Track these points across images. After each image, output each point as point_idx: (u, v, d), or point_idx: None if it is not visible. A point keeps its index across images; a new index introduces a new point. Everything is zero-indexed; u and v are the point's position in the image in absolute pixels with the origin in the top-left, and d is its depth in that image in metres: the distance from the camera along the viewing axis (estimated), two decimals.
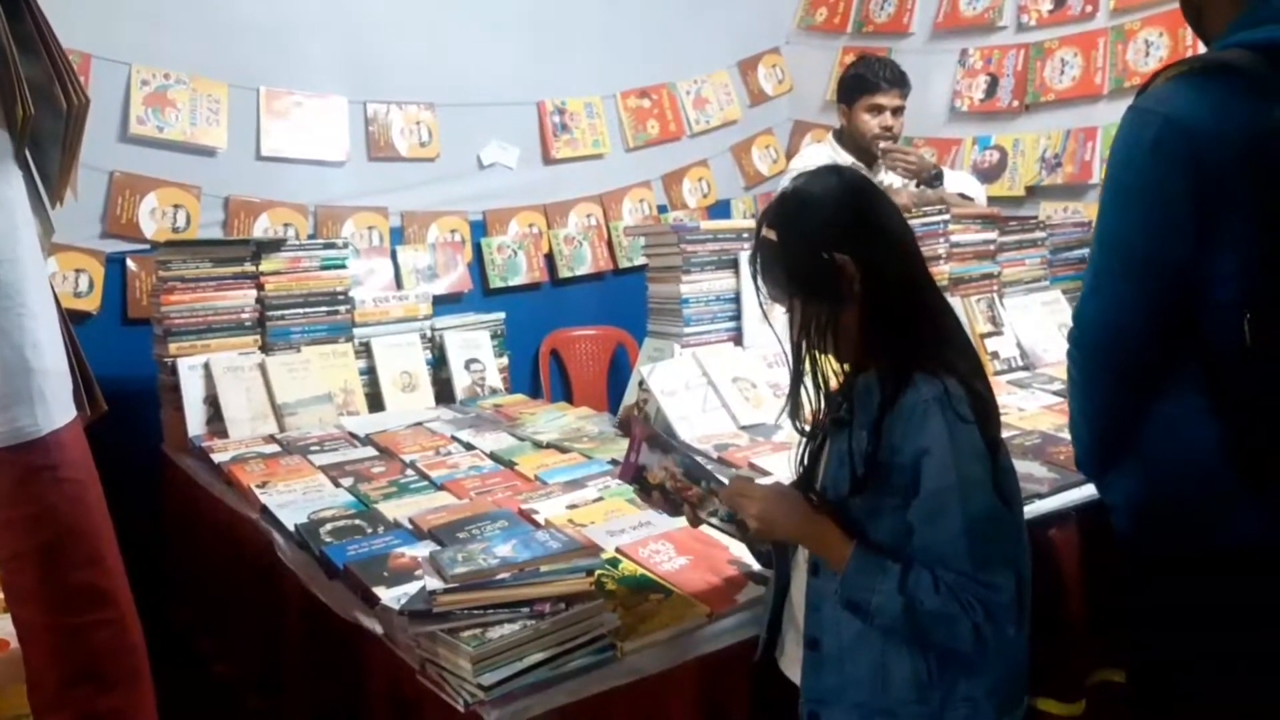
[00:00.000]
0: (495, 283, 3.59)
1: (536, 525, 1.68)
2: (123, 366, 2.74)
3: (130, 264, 2.93)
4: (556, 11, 3.61)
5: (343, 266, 2.75)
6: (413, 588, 1.43)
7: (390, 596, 1.42)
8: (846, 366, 1.20)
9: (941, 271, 2.67)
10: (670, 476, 1.29)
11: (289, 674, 1.80)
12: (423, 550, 1.58)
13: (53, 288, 1.04)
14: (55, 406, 0.97)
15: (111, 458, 2.59)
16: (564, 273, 3.75)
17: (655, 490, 1.30)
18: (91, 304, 2.89)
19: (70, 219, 2.75)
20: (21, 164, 0.96)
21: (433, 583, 1.20)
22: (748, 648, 1.31)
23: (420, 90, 3.38)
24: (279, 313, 2.65)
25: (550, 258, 3.73)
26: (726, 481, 1.27)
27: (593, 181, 3.83)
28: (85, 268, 2.88)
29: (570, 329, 3.76)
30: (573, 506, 1.78)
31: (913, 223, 2.05)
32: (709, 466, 1.36)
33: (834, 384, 1.21)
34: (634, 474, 1.32)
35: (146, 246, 2.90)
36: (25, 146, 0.97)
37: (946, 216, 2.71)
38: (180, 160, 2.98)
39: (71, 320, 2.79)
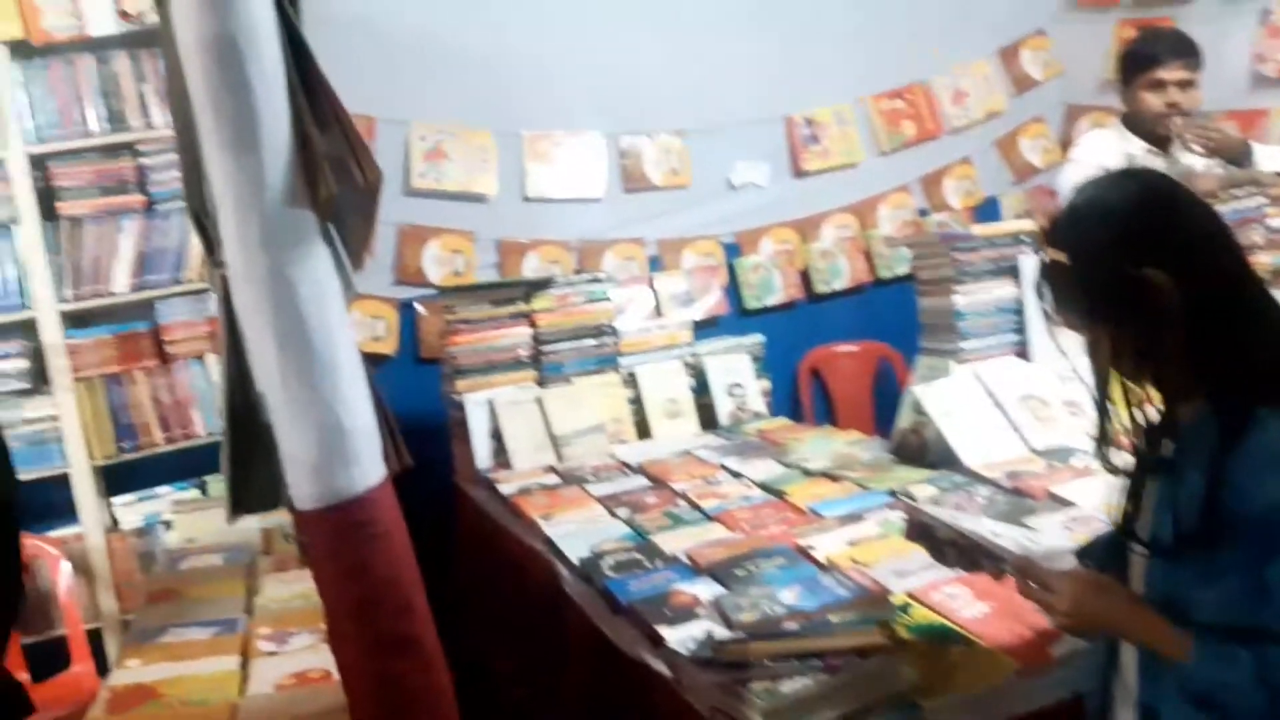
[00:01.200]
0: (751, 303, 3.56)
1: (815, 563, 1.62)
2: (418, 403, 2.96)
3: (418, 308, 3.17)
4: (799, 21, 3.54)
5: (605, 299, 2.83)
6: (695, 628, 1.42)
7: (674, 638, 1.41)
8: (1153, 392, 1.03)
9: (1262, 263, 2.33)
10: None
11: (577, 704, 1.84)
12: (702, 588, 1.57)
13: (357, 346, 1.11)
14: (368, 465, 1.03)
15: (410, 488, 2.82)
16: (820, 288, 3.66)
17: (947, 547, 1.20)
18: (388, 347, 3.15)
19: (367, 269, 3.03)
20: (326, 238, 1.04)
21: (720, 631, 1.18)
22: (1066, 709, 1.18)
23: (669, 118, 3.43)
24: (551, 347, 2.76)
25: (805, 274, 3.65)
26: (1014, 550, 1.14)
27: (846, 191, 3.70)
28: (382, 314, 3.14)
29: (830, 345, 3.65)
30: (853, 543, 1.70)
31: (1221, 209, 1.80)
32: (994, 526, 1.24)
33: (1148, 412, 1.05)
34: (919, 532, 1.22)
35: (432, 291, 3.12)
36: (329, 221, 1.05)
37: (1264, 199, 2.37)
38: (456, 208, 3.20)
39: (371, 362, 3.11)
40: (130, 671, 1.67)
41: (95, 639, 2.72)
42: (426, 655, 1.06)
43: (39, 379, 2.72)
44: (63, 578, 2.67)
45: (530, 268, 3.24)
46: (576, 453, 2.62)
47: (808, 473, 2.20)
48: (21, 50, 2.67)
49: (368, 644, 1.03)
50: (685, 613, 1.50)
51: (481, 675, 2.40)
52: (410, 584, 1.06)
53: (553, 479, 2.45)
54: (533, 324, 2.76)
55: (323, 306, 1.00)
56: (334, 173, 1.00)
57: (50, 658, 2.63)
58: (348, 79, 3.16)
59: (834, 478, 2.13)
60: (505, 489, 2.40)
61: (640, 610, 1.54)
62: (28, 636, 2.65)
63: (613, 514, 2.09)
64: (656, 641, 1.45)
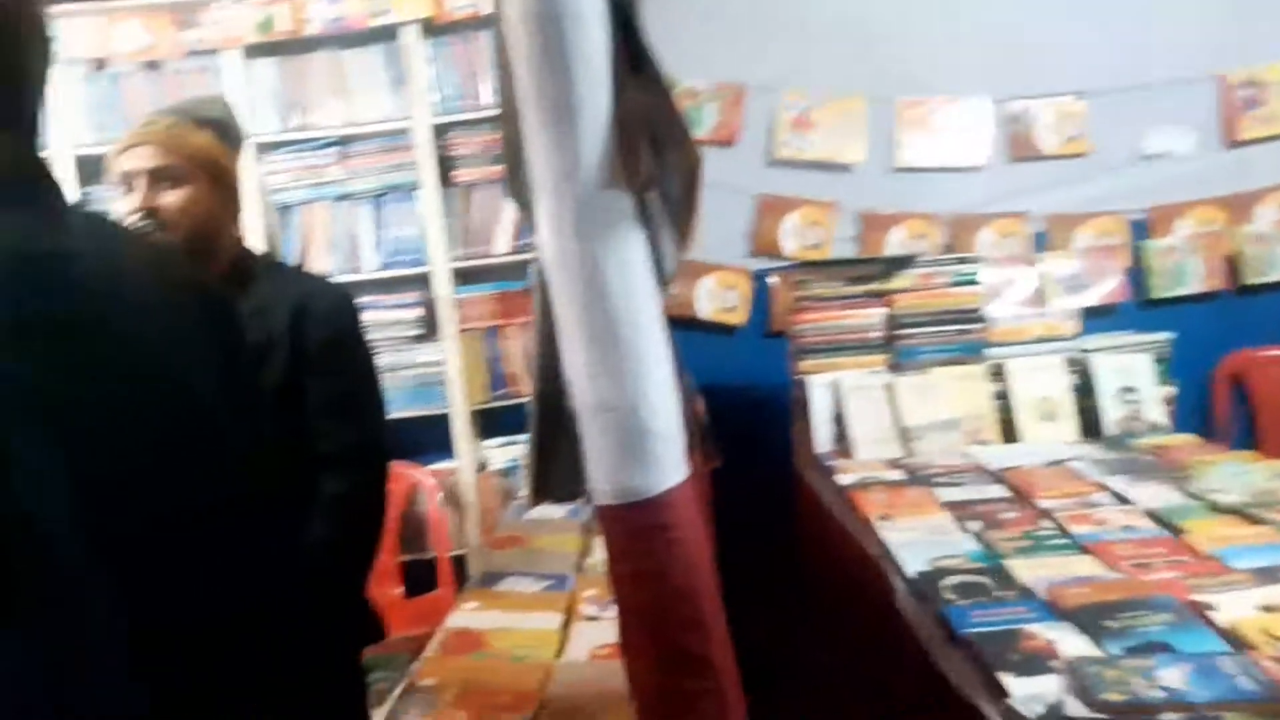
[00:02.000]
0: (1158, 292, 3.05)
1: (1214, 629, 1.30)
2: (763, 376, 2.91)
3: (771, 280, 3.09)
4: None
5: (973, 282, 2.55)
6: (1046, 683, 1.20)
7: (1019, 690, 1.20)
8: None
9: None
10: None
11: None
12: (1060, 635, 1.33)
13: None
14: (667, 467, 0.96)
15: (747, 467, 2.78)
16: (1251, 278, 3.04)
17: None
18: (738, 317, 3.11)
19: (722, 238, 3.02)
20: (642, 224, 0.97)
21: (1074, 706, 0.97)
22: None
23: (1068, 79, 3.01)
24: (908, 331, 2.55)
25: (1232, 260, 3.06)
26: None
27: None
28: (734, 284, 3.11)
29: (1259, 349, 3.04)
30: (1270, 609, 1.35)
31: None
32: None
33: None
34: None
35: (787, 263, 3.03)
36: (649, 205, 0.97)
37: None
38: (819, 178, 3.06)
39: (719, 332, 3.11)
40: (466, 615, 1.78)
41: (460, 564, 2.99)
42: (719, 682, 0.97)
43: (430, 328, 3.03)
44: (436, 507, 2.97)
45: (894, 242, 3.02)
46: (926, 448, 2.40)
47: (1216, 507, 1.81)
48: (429, 28, 2.94)
49: (655, 656, 0.97)
50: (1036, 662, 1.27)
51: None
52: (705, 598, 0.97)
53: (896, 474, 2.26)
54: (889, 304, 2.56)
55: (633, 300, 0.94)
56: (652, 154, 0.92)
57: (422, 577, 2.94)
58: (718, 46, 3.14)
59: (1251, 518, 1.73)
60: (843, 479, 2.25)
61: (980, 647, 1.34)
62: (405, 555, 2.99)
63: (961, 525, 1.87)
64: (996, 690, 1.25)
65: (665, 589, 0.95)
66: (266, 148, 3.01)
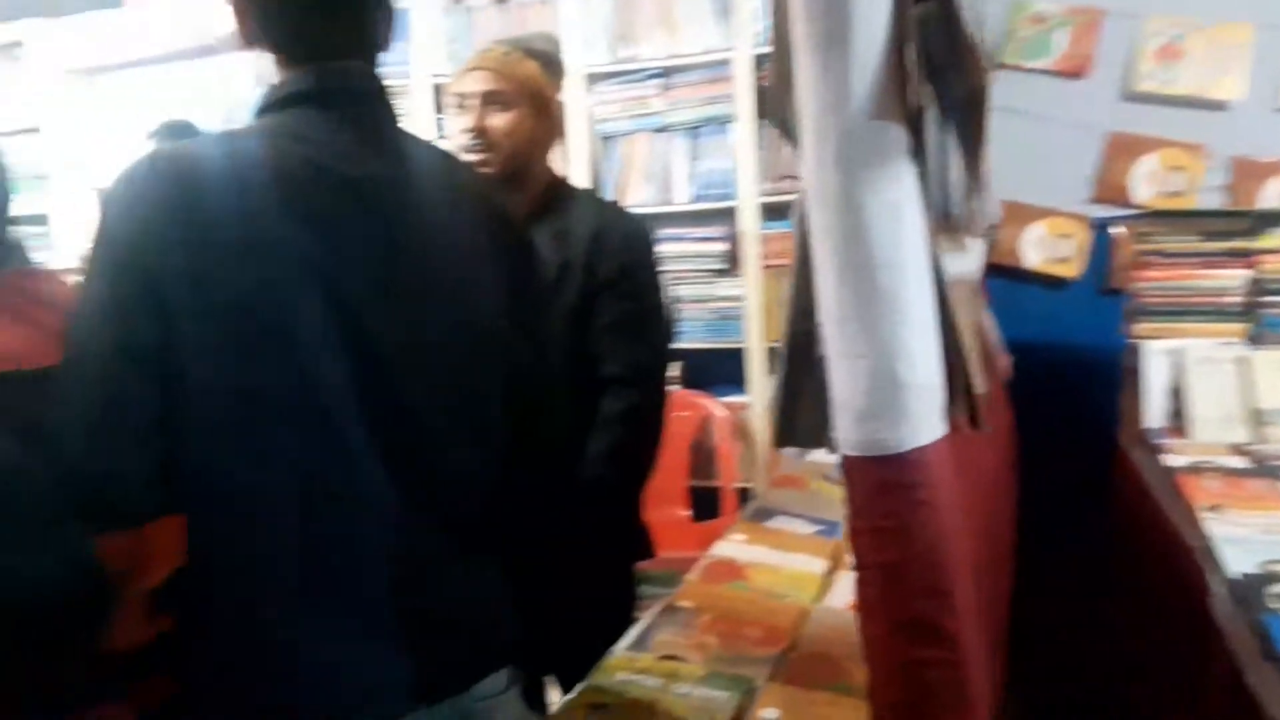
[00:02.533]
0: None
1: None
2: (1091, 339, 2.64)
3: (1115, 231, 2.76)
4: None
5: None
6: None
7: None
8: None
9: None
10: None
11: None
12: None
13: (947, 292, 0.96)
14: (920, 422, 0.90)
15: (1064, 434, 2.55)
16: None
17: None
18: (1071, 270, 2.82)
19: (1058, 181, 2.74)
20: (917, 159, 0.89)
21: None
22: None
23: None
24: (1275, 299, 2.18)
25: None
26: None
27: None
28: (1070, 233, 2.81)
29: None
30: None
31: None
32: None
33: None
34: None
35: (1133, 212, 2.69)
36: (928, 138, 0.90)
37: None
38: (1184, 116, 2.66)
39: (1046, 286, 2.85)
40: (733, 545, 1.81)
41: (745, 497, 3.04)
42: (958, 655, 0.91)
43: (733, 262, 3.05)
44: (726, 439, 3.02)
45: (1271, 195, 2.57)
46: None
47: None
48: None
49: (888, 619, 0.92)
50: None
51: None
52: (951, 566, 0.91)
53: (1238, 461, 1.96)
54: (1254, 266, 2.20)
55: (896, 242, 0.87)
56: (931, 80, 0.84)
57: (708, 503, 3.03)
58: None
59: None
60: (1173, 460, 1.99)
61: None
62: (695, 481, 3.09)
63: None
64: None
65: (905, 550, 0.90)
66: (596, 79, 3.15)
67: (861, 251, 0.87)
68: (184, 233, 1.08)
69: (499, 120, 1.74)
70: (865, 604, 0.94)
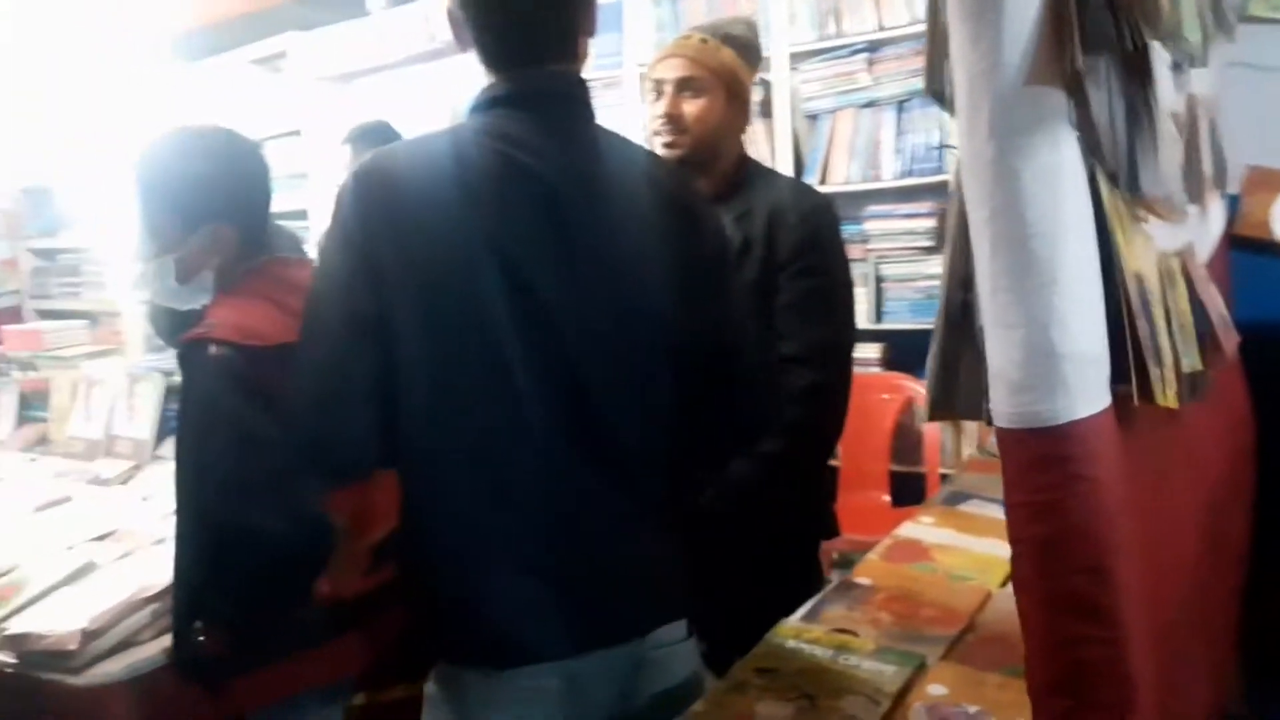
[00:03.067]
0: None
1: None
2: None
3: None
4: None
5: None
6: None
7: None
8: None
9: None
10: None
11: None
12: None
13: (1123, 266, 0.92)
14: (1079, 394, 0.87)
15: None
16: None
17: None
18: None
19: None
20: (1075, 124, 0.86)
21: None
22: None
23: None
24: None
25: None
26: None
27: None
28: None
29: None
30: None
31: None
32: None
33: None
34: None
35: None
36: (1093, 104, 0.86)
37: None
38: None
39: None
40: (919, 527, 1.78)
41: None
42: (1116, 629, 0.88)
43: (941, 239, 2.95)
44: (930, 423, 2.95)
45: None
46: None
47: None
48: None
49: (1045, 595, 0.90)
50: None
51: None
52: (1108, 546, 0.88)
53: None
54: None
55: (1054, 208, 0.85)
56: (1090, 40, 0.81)
57: (913, 488, 2.96)
58: None
59: None
60: None
61: None
62: (896, 465, 3.03)
63: None
64: None
65: (1061, 525, 0.88)
66: (801, 57, 3.14)
67: (1015, 220, 0.85)
68: (393, 222, 1.24)
69: (691, 106, 1.80)
70: (1020, 579, 0.93)
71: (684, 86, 1.81)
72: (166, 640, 1.71)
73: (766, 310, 1.74)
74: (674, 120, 1.80)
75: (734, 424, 1.42)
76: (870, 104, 3.06)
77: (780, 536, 1.80)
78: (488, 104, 1.31)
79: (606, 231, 1.29)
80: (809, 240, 1.75)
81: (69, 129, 4.77)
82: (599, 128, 1.37)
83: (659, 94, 1.84)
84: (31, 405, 3.10)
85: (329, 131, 4.21)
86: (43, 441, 3.01)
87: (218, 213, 1.56)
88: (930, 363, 1.08)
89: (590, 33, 1.35)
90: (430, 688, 1.36)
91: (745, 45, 1.89)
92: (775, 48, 3.09)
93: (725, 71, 1.83)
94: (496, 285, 1.22)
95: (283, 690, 1.55)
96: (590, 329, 1.27)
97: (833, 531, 1.95)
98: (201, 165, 1.57)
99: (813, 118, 3.18)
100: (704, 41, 1.85)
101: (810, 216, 1.77)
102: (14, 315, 5.23)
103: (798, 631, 1.43)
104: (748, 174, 1.87)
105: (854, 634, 1.41)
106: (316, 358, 1.26)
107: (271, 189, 1.68)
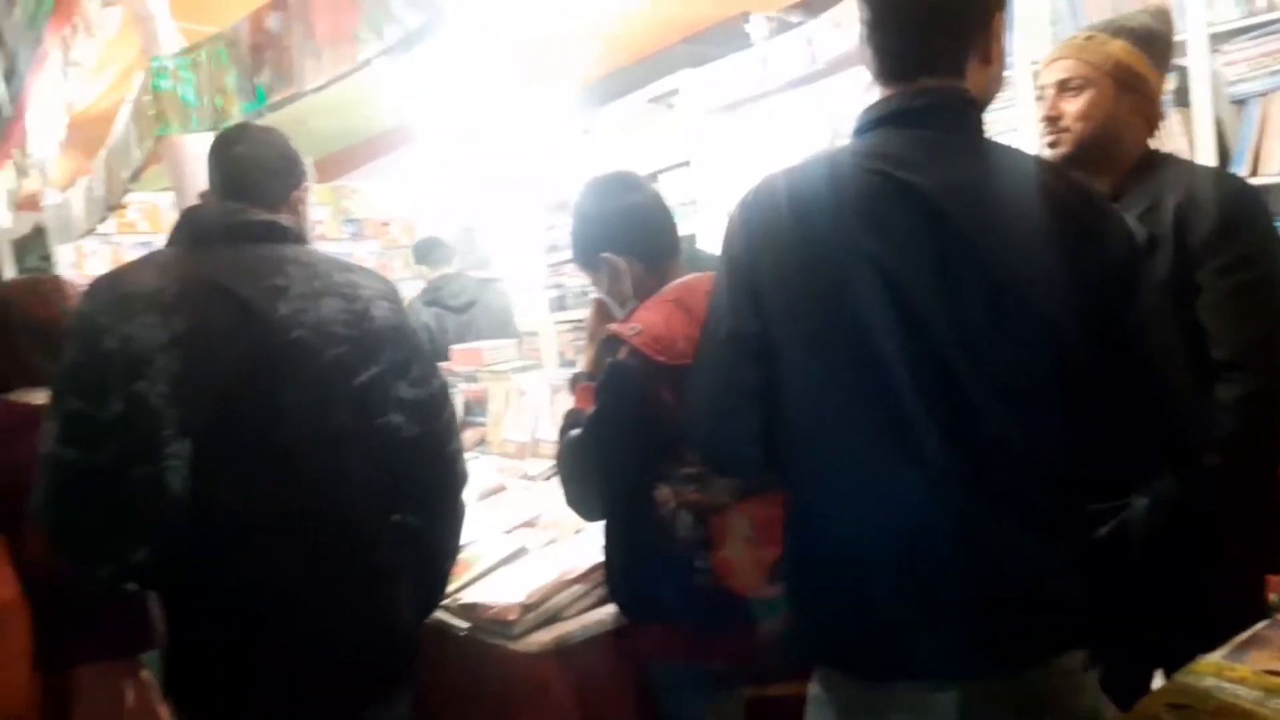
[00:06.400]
0: None
1: None
2: None
3: None
4: None
5: None
6: None
7: None
8: None
9: None
10: None
11: None
12: None
13: None
14: None
15: None
16: None
17: None
18: None
19: None
20: None
21: None
22: None
23: None
24: None
25: None
26: None
27: None
28: None
29: None
30: None
31: None
32: None
33: None
34: None
35: None
36: None
37: None
38: None
39: None
40: None
41: None
42: None
43: None
44: None
45: None
46: None
47: None
48: None
49: None
50: None
51: None
52: None
53: None
54: None
55: None
56: None
57: None
58: None
59: None
60: None
61: None
62: None
63: None
64: None
65: None
66: (1222, 37, 2.81)
67: None
68: (773, 244, 1.34)
69: (1072, 105, 1.75)
70: None
71: (1063, 87, 1.78)
72: (587, 617, 1.96)
73: (1180, 312, 1.59)
74: (1054, 121, 1.77)
75: (1151, 444, 1.32)
76: None
77: (1213, 563, 1.63)
78: (871, 124, 1.35)
79: (993, 246, 1.27)
80: (1229, 228, 1.58)
81: (498, 173, 5.54)
82: (987, 140, 1.36)
83: (1041, 99, 1.81)
84: (473, 411, 3.63)
85: (715, 161, 4.49)
86: (482, 442, 3.51)
87: (618, 244, 1.83)
88: None
89: (986, 59, 1.34)
90: (814, 689, 1.41)
91: (1145, 35, 1.77)
92: (1191, 30, 2.79)
93: (1110, 64, 1.74)
94: (876, 302, 1.26)
95: (680, 655, 1.75)
96: (975, 344, 1.25)
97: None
98: (597, 206, 1.87)
99: (1239, 103, 2.82)
100: (1089, 38, 1.78)
101: (1228, 202, 1.60)
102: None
103: (1219, 668, 1.30)
104: (1151, 165, 1.73)
105: None
106: (705, 369, 1.41)
107: (664, 220, 1.91)
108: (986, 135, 1.35)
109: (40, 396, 1.72)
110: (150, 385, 1.51)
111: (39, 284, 2.26)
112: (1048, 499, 1.28)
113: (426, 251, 4.89)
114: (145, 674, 2.20)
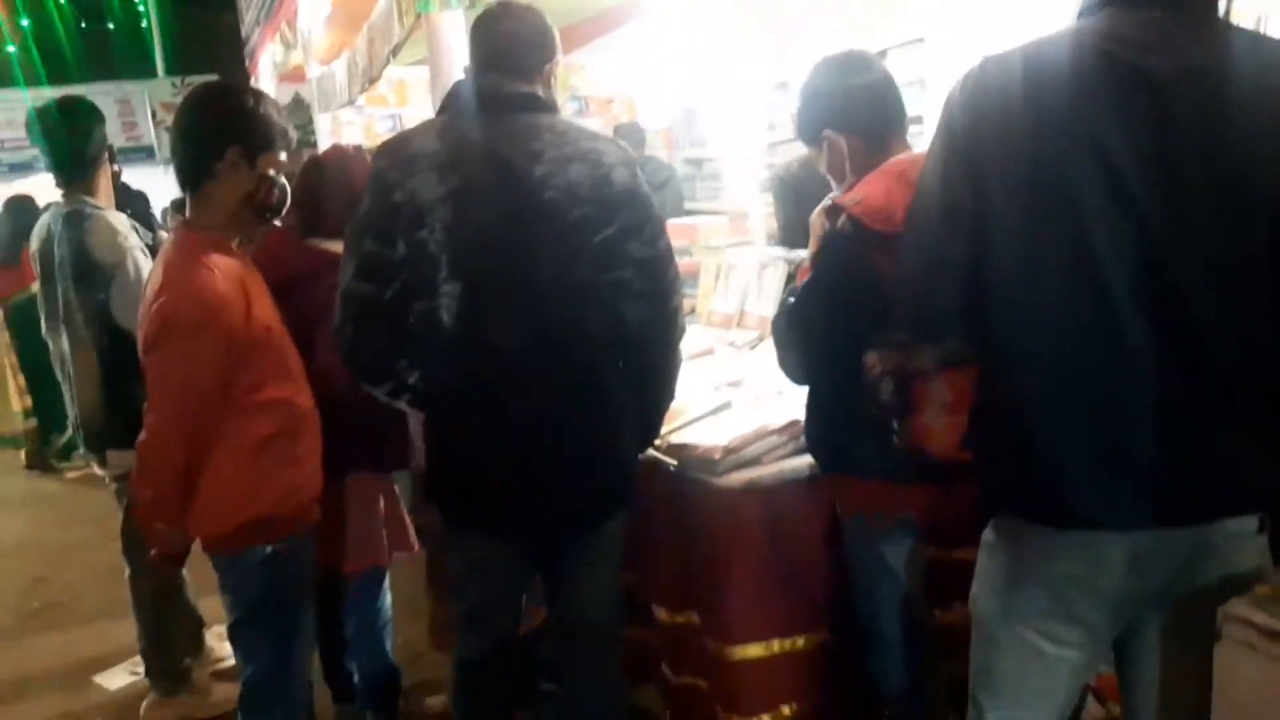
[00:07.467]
0: None
1: None
2: None
3: None
4: None
5: None
6: None
7: None
8: None
9: None
10: None
11: None
12: None
13: None
14: None
15: None
16: None
17: None
18: None
19: None
20: None
21: None
22: None
23: None
24: None
25: None
26: None
27: None
28: None
29: None
30: None
31: None
32: None
33: None
34: None
35: None
36: None
37: None
38: None
39: None
40: None
41: None
42: None
43: None
44: None
45: None
46: None
47: None
48: None
49: None
50: None
51: None
52: None
53: None
54: None
55: None
56: None
57: None
58: None
59: None
60: None
61: None
62: None
63: None
64: None
65: None
66: None
67: None
68: (1000, 122, 1.37)
69: None
70: None
71: None
72: (783, 464, 2.15)
73: None
74: None
75: None
76: None
77: None
78: (1100, 4, 1.36)
79: (1220, 129, 1.28)
80: None
81: (715, 59, 5.56)
82: (1228, 24, 1.34)
83: None
84: (686, 284, 3.82)
85: (950, 40, 4.31)
86: (691, 312, 3.71)
87: (840, 123, 1.89)
88: None
89: None
90: (989, 535, 1.53)
91: None
92: None
93: None
94: (1098, 188, 1.30)
95: (869, 506, 1.91)
96: (1192, 235, 1.28)
97: None
98: (825, 84, 1.92)
99: None
100: None
101: None
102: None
103: None
104: None
105: None
106: (916, 240, 1.49)
107: (890, 99, 1.92)
108: (1221, 15, 1.33)
109: (337, 246, 1.99)
110: (429, 233, 1.79)
111: (346, 150, 2.60)
112: (1246, 383, 1.32)
113: (627, 135, 5.82)
114: (396, 488, 2.57)
